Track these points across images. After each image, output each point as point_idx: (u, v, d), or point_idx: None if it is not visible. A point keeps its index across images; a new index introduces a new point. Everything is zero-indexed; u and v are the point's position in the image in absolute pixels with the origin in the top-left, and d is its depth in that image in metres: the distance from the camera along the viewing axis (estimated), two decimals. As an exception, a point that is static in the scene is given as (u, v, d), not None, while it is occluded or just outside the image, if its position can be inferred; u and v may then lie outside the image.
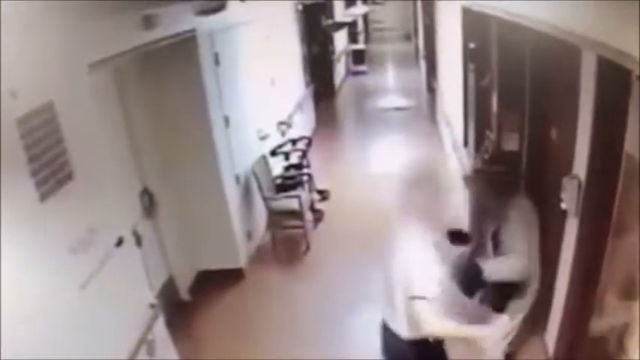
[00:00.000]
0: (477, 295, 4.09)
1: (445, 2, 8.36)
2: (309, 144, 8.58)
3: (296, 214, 6.82)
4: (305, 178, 7.67)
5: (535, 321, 3.94)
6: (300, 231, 6.94)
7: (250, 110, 6.88)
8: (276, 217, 6.96)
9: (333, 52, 15.53)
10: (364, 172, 9.54)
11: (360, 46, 20.61)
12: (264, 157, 7.19)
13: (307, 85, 11.60)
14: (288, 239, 7.06)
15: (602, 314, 3.32)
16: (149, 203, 5.24)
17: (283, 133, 8.43)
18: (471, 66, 5.86)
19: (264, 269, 6.45)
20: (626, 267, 3.01)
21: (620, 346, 3.01)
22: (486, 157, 5.49)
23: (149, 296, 4.02)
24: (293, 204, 6.76)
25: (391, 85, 16.93)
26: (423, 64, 16.00)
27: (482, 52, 5.47)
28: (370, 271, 6.09)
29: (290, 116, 9.07)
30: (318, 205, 7.82)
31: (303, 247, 6.85)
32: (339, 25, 15.50)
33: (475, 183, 4.66)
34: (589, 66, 3.20)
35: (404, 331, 3.30)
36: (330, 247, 6.85)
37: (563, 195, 3.63)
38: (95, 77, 3.59)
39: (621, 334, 2.99)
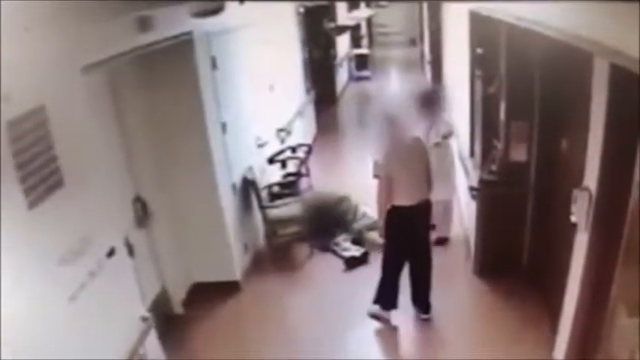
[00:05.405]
0: None
1: (453, 6, 8.28)
2: (309, 152, 8.49)
3: (294, 222, 6.70)
4: (303, 186, 7.57)
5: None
6: (297, 241, 6.81)
7: (248, 116, 6.79)
8: (274, 227, 6.85)
9: (335, 57, 15.39)
10: (365, 182, 9.41)
11: (364, 50, 20.47)
12: (262, 165, 7.08)
13: (308, 90, 11.50)
14: (285, 250, 6.92)
15: (613, 331, 3.24)
16: (142, 212, 5.12)
17: (282, 141, 8.33)
18: (479, 72, 5.77)
19: (260, 281, 6.30)
20: (638, 283, 2.92)
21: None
22: (493, 167, 5.41)
23: (141, 309, 3.96)
24: (291, 212, 6.66)
25: (395, 92, 16.79)
26: (428, 70, 15.93)
27: (491, 58, 5.40)
28: (371, 280, 6.00)
29: (290, 123, 8.98)
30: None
31: (301, 258, 6.72)
32: (342, 29, 15.38)
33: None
34: (601, 74, 3.20)
35: None
36: (328, 259, 6.70)
37: (573, 208, 3.60)
38: (88, 81, 3.51)
39: (633, 351, 2.93)
